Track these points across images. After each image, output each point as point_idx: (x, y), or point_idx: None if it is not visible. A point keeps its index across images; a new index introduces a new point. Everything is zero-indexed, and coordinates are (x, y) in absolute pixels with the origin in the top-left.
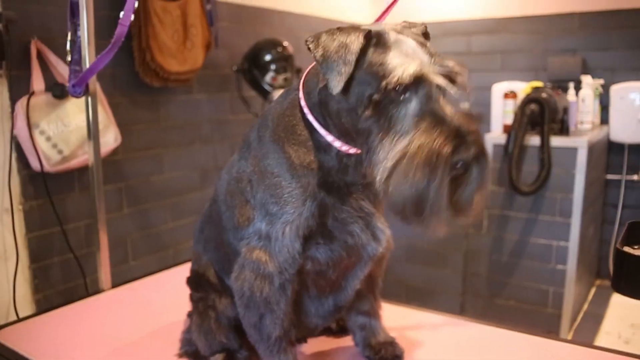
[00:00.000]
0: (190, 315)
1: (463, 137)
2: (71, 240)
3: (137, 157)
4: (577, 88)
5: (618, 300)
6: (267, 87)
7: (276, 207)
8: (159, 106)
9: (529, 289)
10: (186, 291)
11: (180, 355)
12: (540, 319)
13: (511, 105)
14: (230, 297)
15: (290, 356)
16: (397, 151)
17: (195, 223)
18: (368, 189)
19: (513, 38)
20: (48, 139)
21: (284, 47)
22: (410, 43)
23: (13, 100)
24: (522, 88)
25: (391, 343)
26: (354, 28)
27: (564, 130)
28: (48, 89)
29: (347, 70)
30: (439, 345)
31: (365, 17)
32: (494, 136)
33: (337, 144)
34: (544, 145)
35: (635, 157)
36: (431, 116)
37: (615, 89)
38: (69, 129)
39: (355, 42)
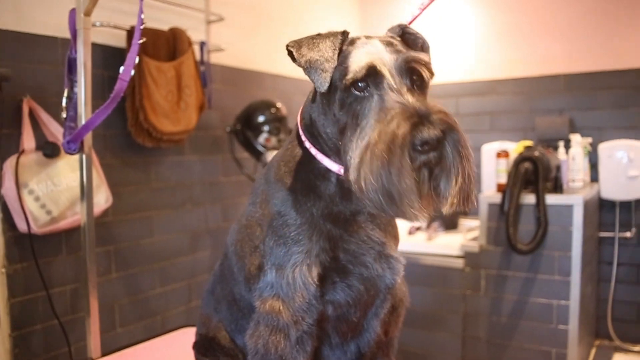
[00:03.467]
0: None
1: (423, 117)
2: (55, 305)
3: (127, 219)
4: (567, 147)
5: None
6: (260, 148)
7: (284, 249)
8: (150, 167)
9: (530, 351)
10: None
11: None
12: None
13: (504, 164)
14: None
15: None
16: (361, 147)
17: (205, 285)
18: (376, 217)
19: (501, 99)
20: (37, 199)
21: (278, 109)
22: (375, 43)
23: (2, 159)
24: (513, 148)
25: None
26: (332, 32)
27: (557, 188)
28: (39, 147)
29: (330, 66)
30: None
31: None
32: (488, 195)
33: (335, 167)
34: (540, 203)
35: (626, 214)
36: (391, 105)
37: (603, 148)
38: (58, 188)
39: (335, 39)
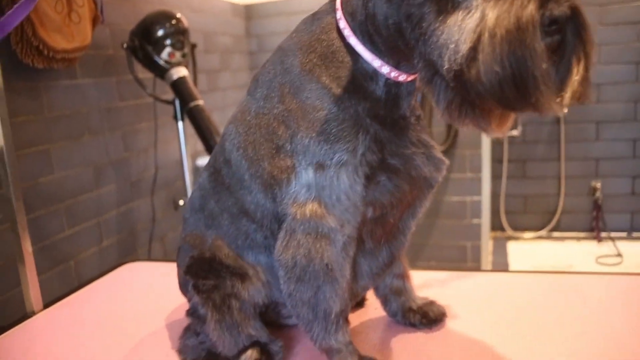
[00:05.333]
0: (191, 314)
1: None
2: None
3: (23, 155)
4: None
5: (513, 248)
6: (163, 65)
7: (325, 146)
8: (41, 93)
9: (448, 248)
10: (146, 292)
11: None
12: None
13: None
14: (255, 278)
15: (347, 336)
16: (469, 30)
17: (188, 203)
18: (422, 120)
19: None
20: None
21: (178, 20)
22: None
23: None
24: None
25: (432, 302)
26: None
27: None
28: None
29: None
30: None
31: None
32: None
33: (385, 69)
34: None
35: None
36: None
37: None
38: None
39: None
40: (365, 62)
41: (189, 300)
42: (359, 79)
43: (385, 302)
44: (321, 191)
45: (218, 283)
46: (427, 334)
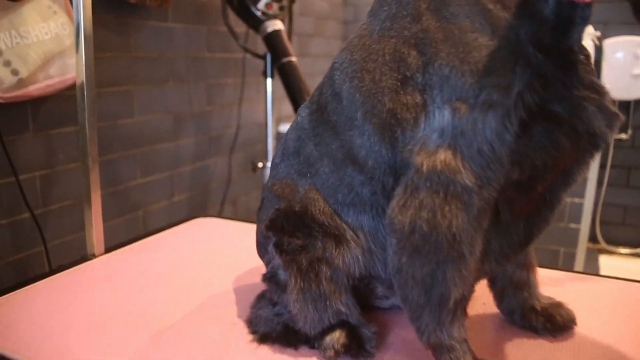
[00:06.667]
0: (269, 279)
1: None
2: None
3: (104, 93)
4: None
5: (605, 263)
6: (259, 16)
7: (471, 79)
8: (130, 31)
9: (539, 251)
10: (216, 250)
11: (258, 339)
12: None
13: None
14: (354, 243)
15: (463, 331)
16: None
17: (280, 146)
18: (591, 62)
19: None
20: None
21: None
22: None
23: None
24: None
25: (559, 304)
26: None
27: None
28: None
29: None
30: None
31: None
32: None
33: None
34: None
35: (623, 115)
36: None
37: (609, 44)
38: (26, 41)
39: None
40: None
41: (267, 262)
42: None
43: (501, 297)
44: (458, 137)
45: (307, 243)
46: (553, 343)
